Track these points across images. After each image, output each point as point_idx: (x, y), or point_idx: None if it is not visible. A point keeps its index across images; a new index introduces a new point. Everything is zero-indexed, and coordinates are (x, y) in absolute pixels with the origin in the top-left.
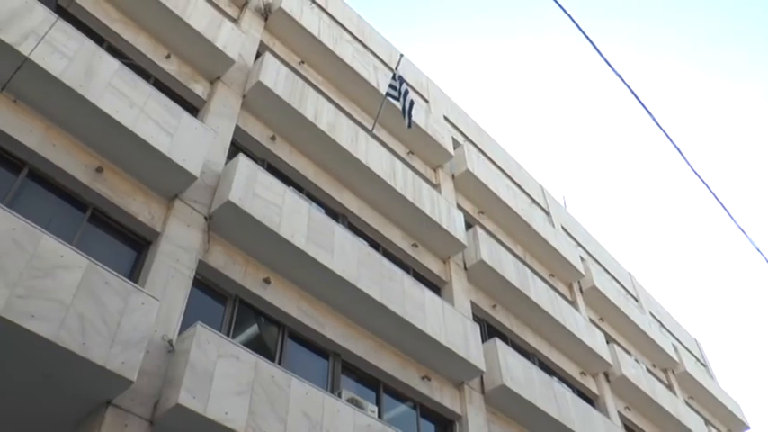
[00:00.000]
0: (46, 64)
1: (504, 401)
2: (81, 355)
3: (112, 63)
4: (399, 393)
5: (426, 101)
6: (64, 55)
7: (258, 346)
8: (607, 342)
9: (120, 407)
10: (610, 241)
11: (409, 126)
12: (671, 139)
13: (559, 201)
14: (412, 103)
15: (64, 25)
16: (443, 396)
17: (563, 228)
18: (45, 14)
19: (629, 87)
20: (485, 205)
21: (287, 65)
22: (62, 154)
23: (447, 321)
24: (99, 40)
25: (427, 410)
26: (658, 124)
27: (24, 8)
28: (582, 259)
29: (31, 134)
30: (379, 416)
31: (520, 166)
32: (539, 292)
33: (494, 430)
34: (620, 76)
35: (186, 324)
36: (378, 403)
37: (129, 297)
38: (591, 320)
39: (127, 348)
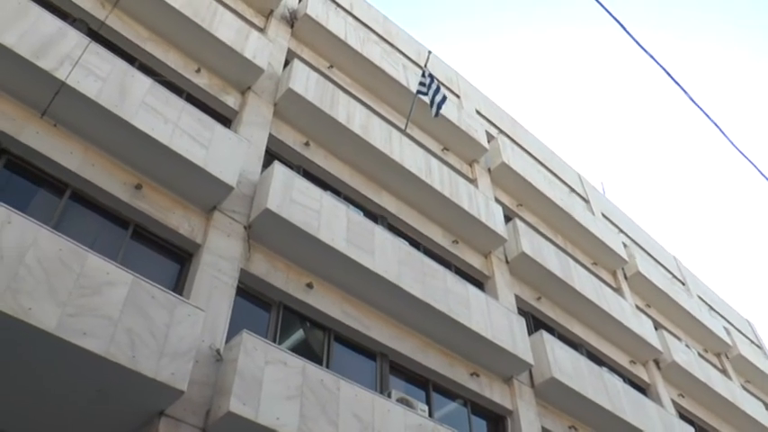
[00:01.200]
0: (82, 87)
1: (554, 394)
2: (131, 368)
3: (145, 81)
4: (449, 391)
5: (457, 96)
6: (98, 77)
7: (305, 350)
8: (655, 328)
9: (173, 417)
10: (652, 226)
11: (436, 115)
12: (708, 116)
13: (598, 187)
14: (444, 97)
15: (96, 48)
16: (493, 392)
17: (603, 215)
18: (78, 39)
19: (659, 64)
20: (523, 197)
21: (316, 70)
22: (102, 173)
23: (492, 316)
24: (131, 59)
25: (478, 407)
26: (694, 101)
27: (58, 34)
28: (624, 245)
29: (72, 156)
30: (430, 415)
31: (555, 156)
32: (582, 281)
33: (545, 424)
34: (648, 54)
35: (232, 333)
36: (428, 402)
37: (175, 309)
38: (637, 307)
39: (175, 359)
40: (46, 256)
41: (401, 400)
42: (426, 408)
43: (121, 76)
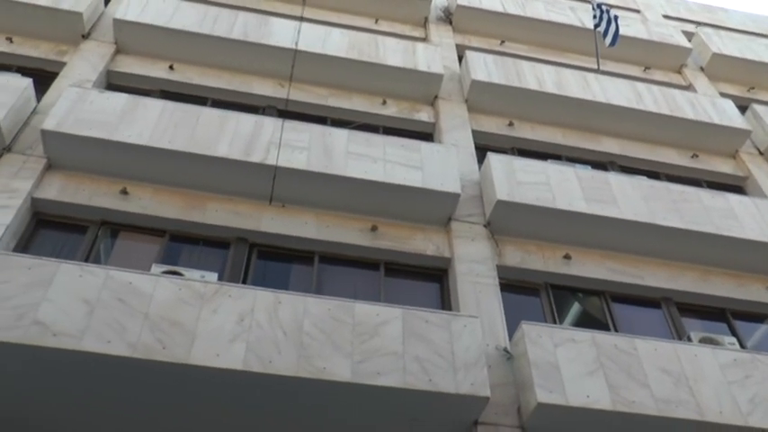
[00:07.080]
0: (292, 163)
1: None
2: (432, 390)
3: (342, 133)
4: (751, 314)
5: (637, 11)
6: (302, 148)
7: (587, 321)
8: None
9: (489, 423)
10: None
11: (612, 44)
12: None
13: None
14: (617, 20)
15: (290, 124)
16: None
17: None
18: (273, 123)
19: None
20: (752, 79)
21: (490, 51)
22: (337, 230)
23: (766, 217)
24: (322, 120)
25: None
26: None
27: (256, 128)
28: None
29: (307, 226)
30: (742, 346)
31: None
32: None
33: None
34: None
35: (511, 328)
36: (734, 333)
37: (450, 325)
38: None
39: (470, 371)
40: (320, 319)
41: (705, 340)
42: (734, 339)
43: (320, 138)
